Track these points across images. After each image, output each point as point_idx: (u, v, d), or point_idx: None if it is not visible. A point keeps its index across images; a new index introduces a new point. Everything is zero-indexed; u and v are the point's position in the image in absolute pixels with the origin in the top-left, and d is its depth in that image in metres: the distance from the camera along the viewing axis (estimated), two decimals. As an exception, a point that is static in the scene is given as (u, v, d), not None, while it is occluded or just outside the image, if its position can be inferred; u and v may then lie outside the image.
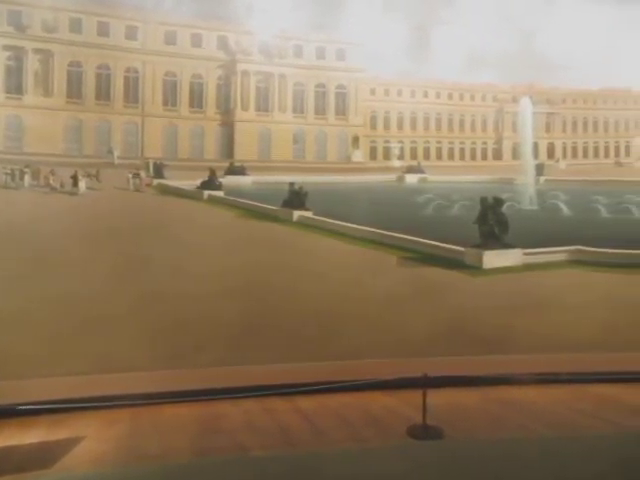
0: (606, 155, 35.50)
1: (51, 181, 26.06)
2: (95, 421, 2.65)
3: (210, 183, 24.72)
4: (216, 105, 34.10)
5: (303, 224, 17.40)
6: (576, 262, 11.99)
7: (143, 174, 28.93)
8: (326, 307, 9.74)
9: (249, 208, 20.33)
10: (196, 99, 38.40)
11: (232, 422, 3.44)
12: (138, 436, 2.66)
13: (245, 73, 30.31)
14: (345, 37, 29.19)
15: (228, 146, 32.60)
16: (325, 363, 6.21)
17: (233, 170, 29.59)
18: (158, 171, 30.14)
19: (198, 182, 25.06)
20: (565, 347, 7.52)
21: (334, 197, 22.04)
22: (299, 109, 30.60)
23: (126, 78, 41.32)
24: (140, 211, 20.24)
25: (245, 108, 30.58)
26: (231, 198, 22.33)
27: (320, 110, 30.46)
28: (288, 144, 30.42)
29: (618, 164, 33.71)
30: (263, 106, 31.01)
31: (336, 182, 26.85)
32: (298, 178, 21.37)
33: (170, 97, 39.89)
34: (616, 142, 35.36)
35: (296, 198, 18.31)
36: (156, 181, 28.76)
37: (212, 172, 25.34)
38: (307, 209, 18.10)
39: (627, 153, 35.17)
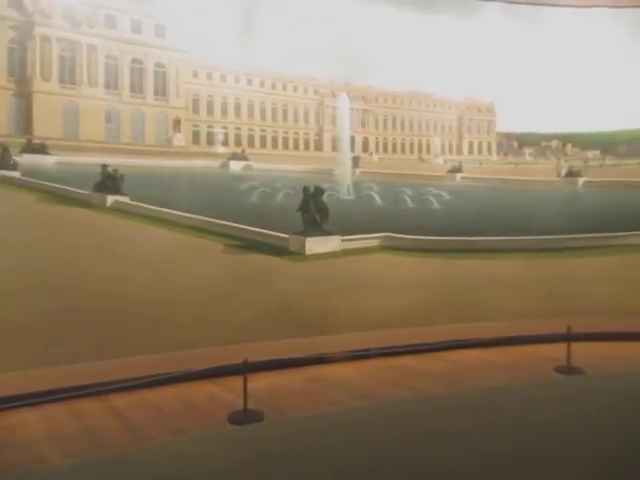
0: (411, 151, 39.37)
1: None
2: None
3: (1, 162, 21.43)
4: (8, 72, 29.18)
5: (119, 210, 16.13)
6: (387, 247, 13.09)
7: None
8: (147, 296, 9.22)
9: (53, 192, 18.07)
10: (-21, 64, 32.09)
11: (30, 432, 2.99)
12: None
13: (45, 38, 26.61)
14: (165, 13, 27.42)
15: (25, 120, 28.33)
16: (143, 357, 5.82)
17: (32, 148, 25.97)
18: None
19: (-16, 161, 21.55)
20: (376, 325, 8.16)
21: (154, 182, 20.84)
22: (112, 85, 27.73)
23: None
24: None
25: (46, 78, 26.82)
26: (30, 180, 19.62)
27: (137, 88, 28.04)
28: (100, 122, 27.50)
29: (421, 160, 37.65)
30: (69, 78, 27.50)
31: (156, 166, 25.39)
32: (112, 160, 19.66)
33: (-59, 58, 32.80)
34: (419, 140, 39.39)
35: (110, 182, 16.85)
36: None
37: (4, 149, 21.92)
38: (123, 194, 16.81)
39: (428, 150, 39.39)
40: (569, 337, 5.94)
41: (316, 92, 33.93)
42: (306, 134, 34.98)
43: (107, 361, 5.52)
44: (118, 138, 26.67)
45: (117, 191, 16.81)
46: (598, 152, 31.39)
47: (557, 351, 5.63)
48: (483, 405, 2.22)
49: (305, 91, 33.67)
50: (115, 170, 17.13)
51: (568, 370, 5.99)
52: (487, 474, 1.67)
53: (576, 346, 5.98)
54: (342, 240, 12.87)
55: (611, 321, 7.76)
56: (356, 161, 29.26)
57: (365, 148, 36.28)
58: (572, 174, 26.07)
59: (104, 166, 17.32)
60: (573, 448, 1.88)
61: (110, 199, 16.58)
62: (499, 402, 2.27)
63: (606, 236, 13.21)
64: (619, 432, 2.04)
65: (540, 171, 30.97)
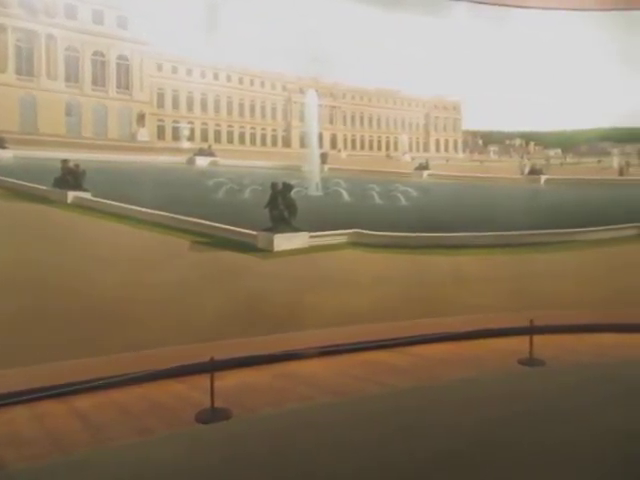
0: (379, 148, 39.58)
1: None
2: None
3: (-46, 156, 20.51)
4: (-39, 63, 27.78)
5: (80, 206, 15.71)
6: (355, 243, 13.19)
7: None
8: (113, 295, 9.02)
9: (9, 187, 17.45)
10: None
11: (-10, 436, 2.88)
12: None
13: (1, 28, 25.55)
14: (128, 4, 26.66)
15: (-21, 113, 27.06)
16: (107, 357, 5.68)
17: (-13, 142, 25.01)
18: None
19: None
20: (344, 320, 8.18)
21: (117, 177, 20.35)
22: (73, 78, 26.82)
23: None
24: None
25: (1, 70, 25.68)
26: (-17, 175, 18.86)
27: (99, 81, 27.19)
28: (59, 116, 26.56)
29: (388, 157, 37.92)
30: (26, 69, 26.47)
31: (119, 161, 24.80)
32: (73, 155, 19.10)
33: None
34: (387, 137, 39.63)
35: (71, 177, 16.37)
36: None
37: (-44, 143, 21.08)
38: (85, 190, 16.37)
39: (395, 147, 39.67)
40: (532, 330, 6.10)
41: (284, 88, 33.75)
42: (274, 130, 34.77)
43: (69, 361, 5.37)
44: (79, 132, 25.88)
45: (78, 187, 16.36)
46: (559, 150, 32.29)
47: (520, 344, 5.76)
48: (450, 399, 2.24)
49: (273, 87, 33.44)
50: (76, 165, 16.66)
51: (530, 362, 6.16)
52: (456, 466, 1.68)
53: (538, 339, 6.14)
54: (310, 236, 12.89)
55: (572, 314, 8.00)
56: (324, 157, 29.26)
57: (333, 145, 36.31)
58: (535, 172, 26.75)
59: (64, 161, 16.81)
60: (537, 438, 1.92)
61: (71, 195, 16.13)
62: (466, 396, 2.30)
63: (566, 232, 13.64)
64: (581, 420, 2.09)
65: (504, 169, 31.64)
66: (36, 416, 2.98)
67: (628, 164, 24.47)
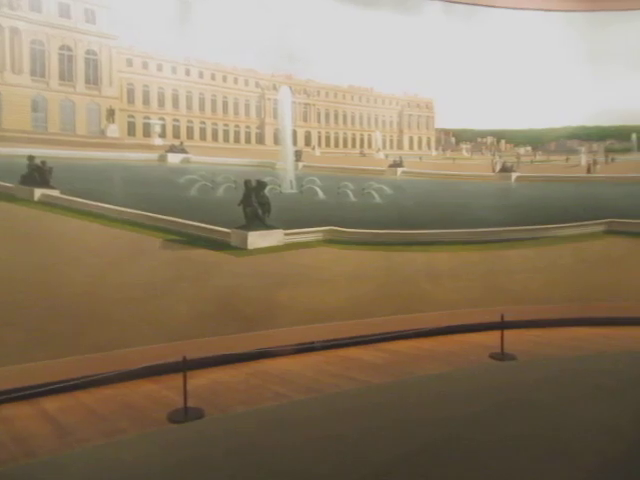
0: (353, 145, 39.57)
1: None
2: None
3: None
4: None
5: (48, 204, 15.31)
6: (330, 241, 13.20)
7: None
8: (82, 294, 8.82)
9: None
10: None
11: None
12: None
13: (-39, 22, 24.74)
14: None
15: (-61, 109, 26.22)
16: (77, 357, 5.55)
17: (-49, 139, 24.09)
18: None
19: None
20: (319, 318, 8.17)
21: (86, 174, 19.89)
22: (39, 72, 26.37)
23: None
24: None
25: (-37, 64, 24.93)
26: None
27: (66, 76, 26.76)
28: (25, 111, 26.03)
29: (362, 154, 37.98)
30: (-10, 64, 25.78)
31: (88, 158, 24.31)
32: (40, 151, 18.62)
33: None
34: (361, 135, 39.65)
35: (38, 174, 15.95)
36: None
37: None
38: (52, 187, 15.96)
39: (369, 145, 39.79)
40: (503, 325, 6.19)
41: (257, 85, 33.53)
42: (247, 127, 34.51)
43: (37, 362, 5.22)
44: (46, 128, 25.28)
45: (46, 184, 15.94)
46: (530, 148, 32.93)
47: (492, 339, 5.84)
48: (422, 395, 2.24)
49: (246, 83, 33.17)
50: (43, 162, 16.23)
51: (502, 357, 6.25)
52: (433, 462, 1.68)
53: (510, 333, 6.24)
54: (285, 234, 12.84)
55: (543, 308, 8.16)
56: (298, 155, 29.17)
57: (307, 142, 36.24)
58: (506, 169, 27.16)
59: (31, 158, 16.35)
60: (509, 433, 1.92)
61: (38, 192, 15.70)
62: (438, 391, 2.30)
63: (537, 228, 13.91)
64: (553, 414, 2.11)
65: (476, 166, 32.13)
66: (1, 419, 2.88)
67: (595, 162, 25.09)
